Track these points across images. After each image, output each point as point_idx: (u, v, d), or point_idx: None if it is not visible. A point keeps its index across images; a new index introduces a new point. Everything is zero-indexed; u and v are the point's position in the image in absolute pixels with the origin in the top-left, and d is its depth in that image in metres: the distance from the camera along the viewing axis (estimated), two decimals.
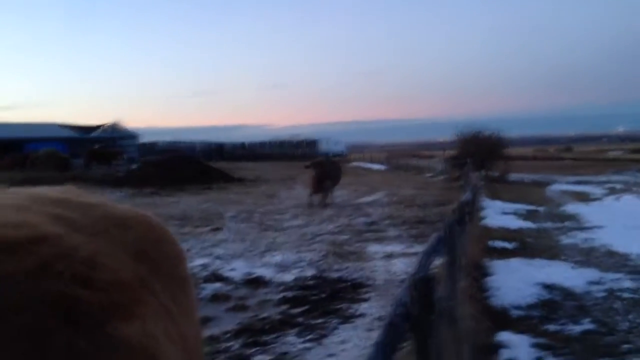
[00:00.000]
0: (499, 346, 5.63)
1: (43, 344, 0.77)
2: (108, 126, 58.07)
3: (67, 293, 0.82)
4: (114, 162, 41.74)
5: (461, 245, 7.16)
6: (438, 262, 6.10)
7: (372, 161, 56.06)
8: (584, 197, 21.64)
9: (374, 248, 11.23)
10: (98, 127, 58.65)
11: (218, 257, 10.40)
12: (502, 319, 6.69)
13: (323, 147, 63.17)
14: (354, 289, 8.11)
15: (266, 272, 9.16)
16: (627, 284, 8.21)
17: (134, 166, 39.01)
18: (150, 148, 64.12)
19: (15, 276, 0.79)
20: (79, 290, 0.83)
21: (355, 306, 7.27)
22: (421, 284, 2.51)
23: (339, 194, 21.96)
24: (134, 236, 1.04)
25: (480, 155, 32.38)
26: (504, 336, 5.88)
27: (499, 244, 11.40)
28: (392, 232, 13.30)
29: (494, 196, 20.99)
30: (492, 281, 8.21)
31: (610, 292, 7.82)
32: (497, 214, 16.15)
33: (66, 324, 0.79)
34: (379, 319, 6.66)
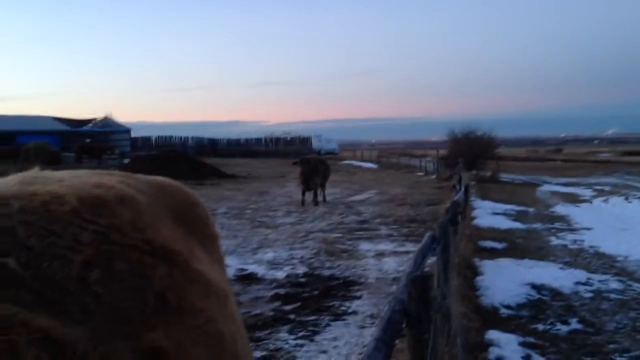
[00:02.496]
0: (488, 344, 5.73)
1: (150, 274, 0.97)
2: (100, 120, 57.74)
3: (155, 240, 1.03)
4: (105, 156, 41.60)
5: (454, 244, 7.27)
6: (429, 261, 6.21)
7: (363, 159, 56.17)
8: (573, 199, 21.85)
9: (365, 246, 11.32)
10: (90, 120, 58.32)
11: None
12: (492, 317, 6.80)
13: (316, 144, 63.15)
14: (346, 287, 8.18)
15: (258, 269, 9.24)
16: (614, 285, 8.36)
17: (125, 161, 38.93)
18: (143, 143, 63.83)
19: (121, 227, 0.99)
20: (162, 239, 1.05)
21: (347, 303, 7.34)
22: (419, 282, 2.59)
23: (331, 191, 22.04)
24: (175, 200, 1.25)
25: (471, 155, 32.61)
26: (493, 335, 5.98)
27: (489, 244, 11.53)
28: (383, 230, 13.39)
29: (485, 196, 21.18)
30: (482, 280, 8.33)
31: (598, 292, 7.96)
32: (488, 214, 16.31)
33: (162, 261, 1.01)
34: (371, 316, 6.75)
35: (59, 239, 0.90)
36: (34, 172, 1.16)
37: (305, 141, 64.77)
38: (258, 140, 69.46)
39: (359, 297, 7.64)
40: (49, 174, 1.15)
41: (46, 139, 43.91)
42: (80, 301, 0.86)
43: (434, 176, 32.21)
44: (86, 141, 49.34)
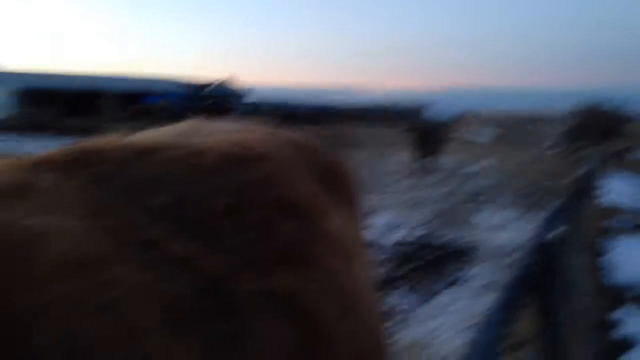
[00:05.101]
0: (614, 323, 5.47)
1: (275, 230, 1.04)
2: (220, 83, 59.75)
3: (288, 196, 1.11)
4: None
5: (580, 218, 6.92)
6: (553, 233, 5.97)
7: (482, 129, 54.36)
8: None
9: (482, 215, 11.06)
10: (210, 84, 60.48)
11: None
12: (617, 297, 6.45)
13: (431, 112, 61.89)
14: (460, 255, 8.08)
15: (373, 232, 9.31)
16: None
17: None
18: (258, 107, 65.66)
19: (256, 182, 1.08)
20: (294, 197, 1.12)
21: (461, 271, 7.27)
22: (546, 249, 2.50)
23: (446, 160, 21.64)
24: (314, 159, 1.31)
25: (601, 129, 30.65)
26: (618, 314, 5.69)
27: (617, 221, 10.86)
28: (500, 201, 13.00)
29: (614, 172, 19.88)
30: (607, 259, 7.89)
31: None
32: (618, 191, 15.32)
33: (290, 217, 1.08)
34: (485, 285, 6.64)
35: (201, 186, 1.00)
36: (194, 123, 1.29)
37: (420, 109, 63.65)
38: (372, 106, 69.07)
39: (473, 265, 7.52)
40: (205, 126, 1.27)
41: (171, 98, 46.37)
42: (212, 241, 0.94)
43: (558, 149, 30.63)
44: (209, 102, 51.45)
